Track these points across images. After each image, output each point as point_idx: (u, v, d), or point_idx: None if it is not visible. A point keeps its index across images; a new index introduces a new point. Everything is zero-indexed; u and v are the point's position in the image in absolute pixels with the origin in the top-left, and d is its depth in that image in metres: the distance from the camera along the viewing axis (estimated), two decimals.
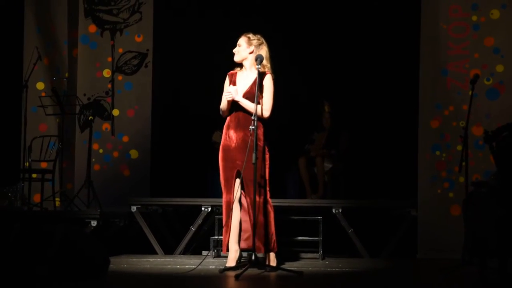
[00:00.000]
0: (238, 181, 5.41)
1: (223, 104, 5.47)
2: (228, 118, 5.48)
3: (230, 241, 5.42)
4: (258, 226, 5.26)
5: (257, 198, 5.22)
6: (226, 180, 5.43)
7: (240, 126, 5.38)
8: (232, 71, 5.57)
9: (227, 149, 5.45)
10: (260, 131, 5.37)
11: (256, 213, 5.22)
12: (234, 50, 5.51)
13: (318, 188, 7.77)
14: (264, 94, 5.39)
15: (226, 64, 5.67)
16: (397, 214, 7.02)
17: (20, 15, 7.98)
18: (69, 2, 7.96)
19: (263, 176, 5.34)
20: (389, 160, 7.93)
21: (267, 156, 5.42)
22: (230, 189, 5.41)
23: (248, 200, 5.34)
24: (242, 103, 5.37)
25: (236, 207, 5.41)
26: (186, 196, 7.21)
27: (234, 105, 5.42)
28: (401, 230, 6.86)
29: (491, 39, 6.72)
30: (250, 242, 5.26)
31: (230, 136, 5.43)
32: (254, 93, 5.28)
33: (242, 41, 5.49)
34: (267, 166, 5.41)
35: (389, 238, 6.90)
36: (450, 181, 6.67)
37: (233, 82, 5.48)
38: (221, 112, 5.53)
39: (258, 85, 5.26)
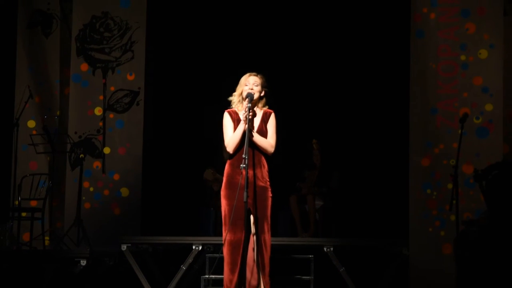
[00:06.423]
0: (251, 219, 5.24)
1: (237, 132, 5.26)
2: (237, 156, 5.31)
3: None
4: (254, 263, 5.22)
5: (263, 236, 5.18)
6: (237, 219, 5.20)
7: (255, 164, 5.27)
8: (230, 109, 5.42)
9: (237, 187, 5.22)
10: (266, 170, 5.33)
11: (257, 250, 5.17)
12: (254, 88, 5.29)
13: (310, 226, 7.75)
14: (270, 131, 5.38)
15: (218, 102, 5.66)
16: (389, 252, 6.99)
17: (13, 54, 8.04)
18: (62, 41, 8.03)
19: (268, 215, 5.27)
20: (380, 198, 7.94)
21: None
22: (241, 228, 5.21)
23: (254, 238, 5.25)
24: (256, 137, 5.28)
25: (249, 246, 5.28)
26: (177, 234, 7.17)
27: (243, 144, 5.24)
28: (393, 269, 6.83)
29: (479, 78, 6.77)
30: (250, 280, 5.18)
31: (242, 174, 5.21)
32: (265, 131, 5.31)
33: (259, 80, 5.36)
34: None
35: (381, 276, 6.87)
36: (441, 219, 6.64)
37: (236, 121, 5.35)
38: (228, 148, 5.30)
39: (248, 121, 5.20)
